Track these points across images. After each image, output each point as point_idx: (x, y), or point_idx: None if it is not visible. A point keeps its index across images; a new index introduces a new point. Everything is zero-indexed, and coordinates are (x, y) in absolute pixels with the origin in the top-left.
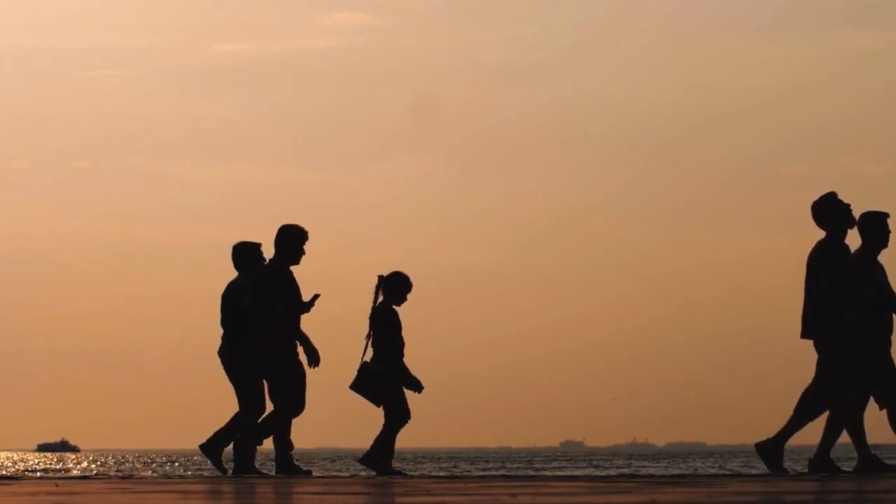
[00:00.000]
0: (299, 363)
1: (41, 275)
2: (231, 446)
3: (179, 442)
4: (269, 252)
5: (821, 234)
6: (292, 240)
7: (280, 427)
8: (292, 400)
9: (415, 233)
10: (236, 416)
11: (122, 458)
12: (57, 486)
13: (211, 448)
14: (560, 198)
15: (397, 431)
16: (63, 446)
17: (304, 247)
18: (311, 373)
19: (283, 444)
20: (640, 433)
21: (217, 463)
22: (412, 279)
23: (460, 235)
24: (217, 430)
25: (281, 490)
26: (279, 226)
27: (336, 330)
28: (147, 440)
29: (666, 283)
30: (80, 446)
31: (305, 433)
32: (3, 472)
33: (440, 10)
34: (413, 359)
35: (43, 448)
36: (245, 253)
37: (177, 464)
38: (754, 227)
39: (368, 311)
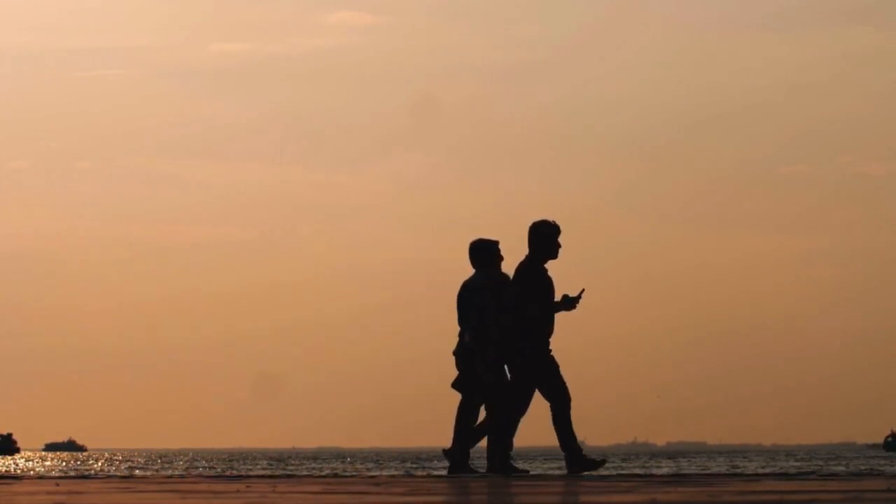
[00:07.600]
0: (553, 360)
1: (42, 275)
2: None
3: (183, 441)
4: (506, 250)
5: None
6: (548, 235)
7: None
8: (562, 393)
9: (415, 233)
10: (487, 422)
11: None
12: (57, 485)
13: (458, 463)
14: (560, 198)
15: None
16: (70, 446)
17: (559, 240)
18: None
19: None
20: (640, 433)
21: (466, 468)
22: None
23: (460, 235)
24: (487, 448)
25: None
26: (531, 223)
27: (337, 329)
28: (152, 439)
29: (666, 283)
30: (87, 446)
31: (304, 434)
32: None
33: (440, 10)
34: (414, 358)
35: (50, 447)
36: (484, 251)
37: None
38: (754, 227)
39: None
